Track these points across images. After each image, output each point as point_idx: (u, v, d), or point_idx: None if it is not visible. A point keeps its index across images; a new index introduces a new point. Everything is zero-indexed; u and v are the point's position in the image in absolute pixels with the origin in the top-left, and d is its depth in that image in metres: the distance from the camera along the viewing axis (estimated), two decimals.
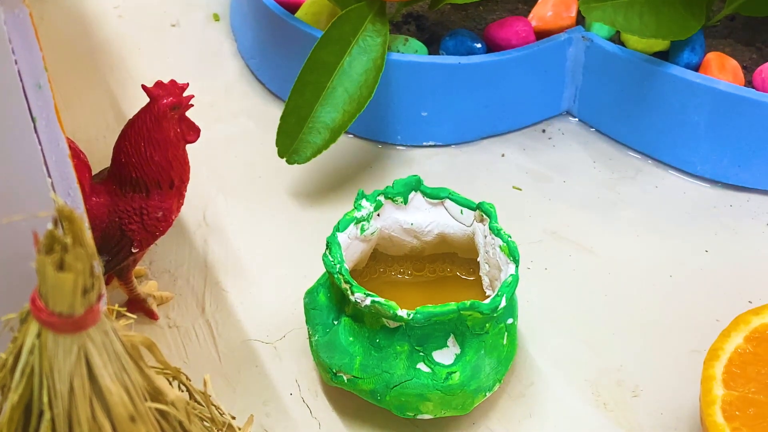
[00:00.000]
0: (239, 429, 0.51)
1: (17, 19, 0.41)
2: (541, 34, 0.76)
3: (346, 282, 0.54)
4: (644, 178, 0.73)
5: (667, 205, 0.71)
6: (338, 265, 0.55)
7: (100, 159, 0.61)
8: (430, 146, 0.76)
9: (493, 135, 0.77)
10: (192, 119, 0.58)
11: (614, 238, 0.69)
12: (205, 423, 0.47)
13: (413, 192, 0.60)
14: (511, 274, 0.55)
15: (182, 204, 0.60)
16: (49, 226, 0.36)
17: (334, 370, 0.55)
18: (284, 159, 0.69)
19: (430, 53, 0.75)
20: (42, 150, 0.43)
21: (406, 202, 0.60)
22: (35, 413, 0.39)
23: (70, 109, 0.78)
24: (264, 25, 0.79)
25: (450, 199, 0.60)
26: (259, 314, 0.63)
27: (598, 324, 0.63)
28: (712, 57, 0.72)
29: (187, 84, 0.58)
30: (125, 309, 0.47)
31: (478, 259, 0.59)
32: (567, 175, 0.74)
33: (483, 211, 0.58)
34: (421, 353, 0.54)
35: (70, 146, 0.45)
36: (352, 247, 0.58)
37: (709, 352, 0.56)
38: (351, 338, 0.55)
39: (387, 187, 0.60)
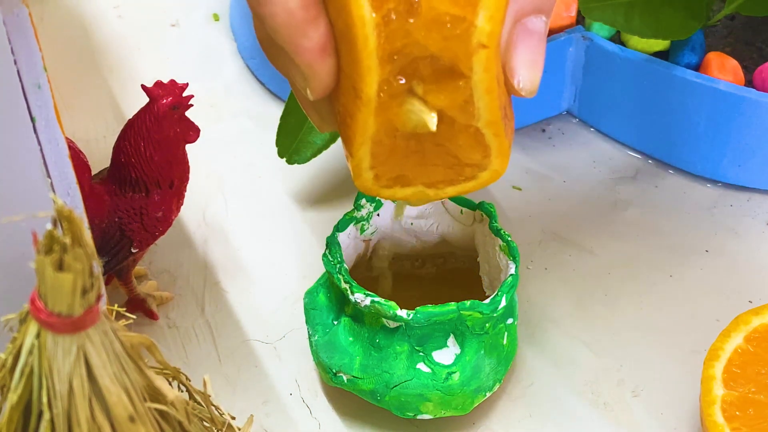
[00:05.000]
0: (239, 429, 0.50)
1: (17, 19, 0.41)
2: None
3: (346, 282, 0.54)
4: (644, 178, 0.73)
5: (667, 205, 0.71)
6: (338, 265, 0.55)
7: (100, 159, 0.61)
8: None
9: None
10: (192, 119, 0.58)
11: (614, 238, 0.69)
12: (204, 423, 0.47)
13: None
14: (511, 274, 0.55)
15: (182, 204, 0.60)
16: (49, 226, 0.36)
17: (334, 370, 0.55)
18: (284, 159, 0.69)
19: None
20: (41, 150, 0.43)
21: None
22: (35, 413, 0.39)
23: (70, 109, 0.78)
24: None
25: (450, 199, 0.60)
26: (259, 314, 0.63)
27: (598, 324, 0.63)
28: (712, 57, 0.72)
29: (187, 84, 0.58)
30: (125, 309, 0.47)
31: (478, 259, 0.59)
32: (567, 175, 0.74)
33: (483, 211, 0.58)
34: (420, 353, 0.53)
35: (69, 146, 0.45)
36: (352, 247, 0.58)
37: (709, 352, 0.56)
38: (351, 338, 0.55)
39: None
